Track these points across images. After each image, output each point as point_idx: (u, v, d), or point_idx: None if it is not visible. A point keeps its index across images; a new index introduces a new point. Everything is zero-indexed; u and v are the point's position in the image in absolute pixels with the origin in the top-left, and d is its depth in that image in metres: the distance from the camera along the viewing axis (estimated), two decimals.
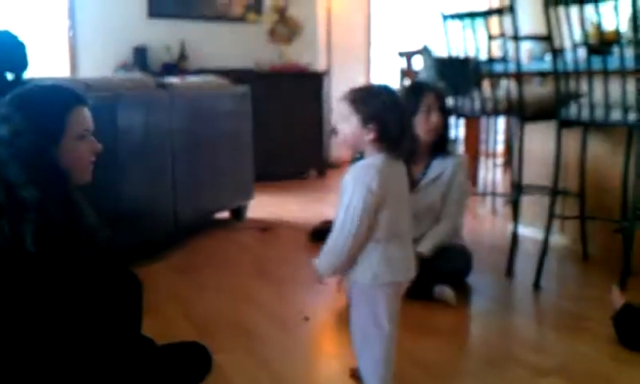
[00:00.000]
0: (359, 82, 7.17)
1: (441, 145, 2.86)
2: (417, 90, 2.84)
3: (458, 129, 3.74)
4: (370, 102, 1.74)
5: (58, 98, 1.61)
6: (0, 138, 1.51)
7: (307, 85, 5.95)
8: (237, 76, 4.76)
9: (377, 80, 7.10)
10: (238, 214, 4.36)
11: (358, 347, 1.82)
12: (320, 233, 3.85)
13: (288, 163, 5.86)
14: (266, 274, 3.18)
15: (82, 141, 1.60)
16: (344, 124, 1.77)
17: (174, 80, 3.88)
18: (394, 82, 5.94)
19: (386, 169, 1.72)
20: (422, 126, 2.77)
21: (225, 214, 4.35)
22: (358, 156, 1.82)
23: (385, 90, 1.76)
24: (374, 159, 1.74)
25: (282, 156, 5.80)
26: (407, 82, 5.47)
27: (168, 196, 3.49)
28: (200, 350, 1.89)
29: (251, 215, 4.44)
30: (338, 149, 6.62)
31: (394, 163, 1.76)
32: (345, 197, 1.73)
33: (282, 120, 5.76)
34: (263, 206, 4.72)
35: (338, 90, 6.63)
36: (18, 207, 1.45)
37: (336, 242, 1.73)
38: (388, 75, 6.76)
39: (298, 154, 5.90)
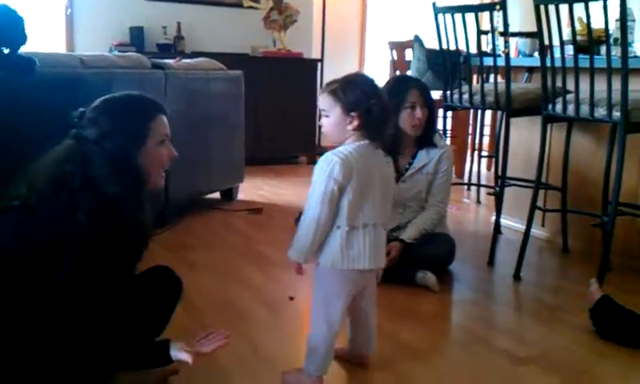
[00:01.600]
0: (351, 71, 7.13)
1: (426, 137, 2.85)
2: (402, 85, 2.82)
3: (445, 121, 3.72)
4: (351, 91, 1.73)
5: (143, 105, 1.69)
6: (89, 138, 1.60)
7: (301, 72, 5.91)
8: (231, 60, 4.72)
9: (369, 70, 7.08)
10: (228, 195, 4.34)
11: (311, 321, 1.84)
12: None
13: (279, 148, 5.83)
14: (254, 255, 3.17)
15: (162, 146, 1.68)
16: (327, 116, 1.76)
17: (169, 61, 3.84)
18: (385, 73, 5.93)
19: (354, 157, 1.71)
20: (408, 121, 2.76)
21: (216, 195, 4.33)
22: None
23: (364, 79, 1.77)
24: (344, 147, 1.74)
25: (274, 141, 5.77)
26: (397, 74, 5.45)
27: None
28: (167, 274, 1.90)
29: (241, 197, 4.42)
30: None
31: (371, 152, 1.75)
32: (312, 183, 1.74)
33: (275, 106, 5.73)
34: (253, 189, 4.70)
35: (331, 78, 6.58)
36: (92, 194, 1.52)
37: (303, 228, 1.74)
38: (380, 65, 6.73)
39: (289, 140, 5.87)
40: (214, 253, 3.19)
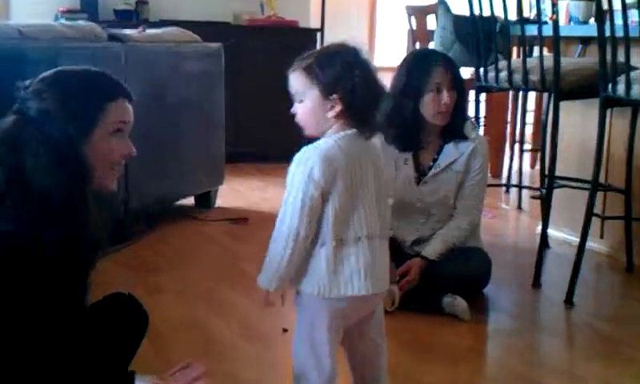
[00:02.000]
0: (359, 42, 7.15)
1: (455, 127, 2.85)
2: (423, 62, 2.83)
3: (478, 106, 3.73)
4: (330, 65, 1.71)
5: (100, 85, 1.71)
6: (26, 114, 1.60)
7: (295, 45, 5.87)
8: (208, 30, 4.73)
9: (382, 42, 7.09)
10: (205, 201, 4.35)
11: (294, 368, 1.81)
12: None
13: (269, 142, 5.80)
14: (237, 275, 3.17)
15: (114, 137, 1.68)
16: (301, 100, 1.75)
17: (129, 32, 3.85)
18: (402, 46, 5.93)
19: (339, 152, 1.69)
20: (431, 107, 2.76)
21: (189, 201, 4.34)
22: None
23: (346, 50, 1.74)
24: (324, 140, 1.72)
25: (261, 133, 5.76)
26: (417, 47, 5.45)
27: (119, 181, 3.46)
28: (130, 304, 1.90)
29: (221, 203, 4.43)
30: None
31: (360, 144, 1.73)
32: (287, 188, 1.72)
33: (263, 88, 5.71)
34: (236, 193, 4.71)
35: None
36: (20, 190, 1.53)
37: (275, 245, 1.70)
38: (396, 36, 6.74)
39: (280, 132, 5.84)
40: (186, 273, 3.20)
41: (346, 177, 1.70)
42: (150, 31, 4.13)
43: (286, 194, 1.71)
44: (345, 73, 1.69)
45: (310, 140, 1.75)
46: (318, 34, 6.10)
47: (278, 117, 6.05)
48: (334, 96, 1.69)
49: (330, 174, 1.67)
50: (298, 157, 1.71)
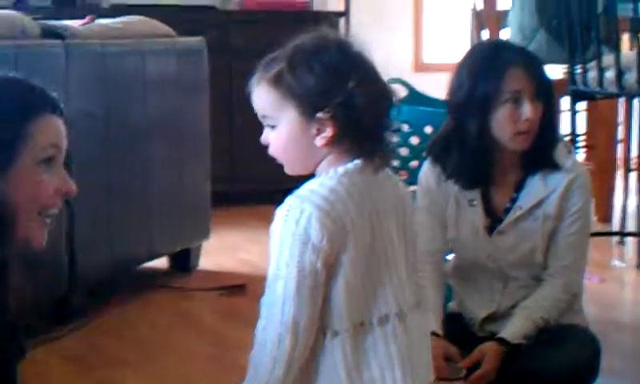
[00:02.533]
0: (397, 34, 7.19)
1: (541, 152, 2.84)
2: (494, 60, 2.82)
3: (574, 120, 3.72)
4: (308, 69, 1.68)
5: (18, 96, 1.70)
6: None
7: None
8: (186, 19, 4.77)
9: (431, 32, 7.11)
10: (183, 262, 4.36)
11: None
12: None
13: (269, 173, 5.73)
14: (230, 372, 3.15)
15: (45, 168, 1.67)
16: (273, 125, 1.74)
17: (72, 24, 3.87)
18: (464, 37, 5.94)
19: (345, 197, 1.68)
20: (507, 125, 2.74)
21: (160, 263, 4.35)
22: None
23: (325, 42, 1.73)
24: (318, 181, 1.70)
25: (263, 164, 5.73)
26: (484, 39, 5.46)
27: (58, 232, 3.46)
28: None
29: (207, 265, 4.44)
30: None
31: (370, 181, 1.73)
32: (271, 261, 1.69)
33: None
34: (227, 250, 4.71)
35: (363, 41, 6.59)
36: None
37: (263, 347, 1.68)
38: (454, 22, 6.76)
39: None
40: (157, 370, 3.19)
41: (360, 233, 1.68)
42: (102, 22, 4.16)
43: (271, 269, 1.67)
44: (332, 78, 1.67)
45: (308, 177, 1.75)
46: (342, 21, 6.16)
47: None
48: (321, 114, 1.67)
49: (335, 232, 1.65)
50: (282, 210, 1.68)
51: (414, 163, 3.41)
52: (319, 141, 1.69)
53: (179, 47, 4.30)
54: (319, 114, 1.67)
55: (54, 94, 1.74)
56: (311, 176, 1.75)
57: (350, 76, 1.67)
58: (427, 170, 2.82)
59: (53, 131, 1.70)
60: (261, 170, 5.88)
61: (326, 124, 1.67)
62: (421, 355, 1.77)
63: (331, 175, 1.69)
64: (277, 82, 1.70)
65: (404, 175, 3.47)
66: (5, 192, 1.61)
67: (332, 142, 1.69)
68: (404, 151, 3.47)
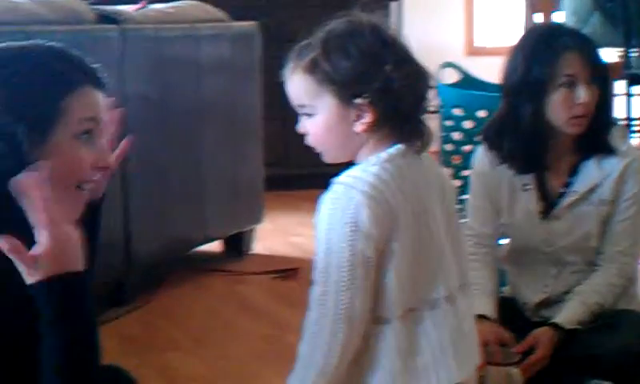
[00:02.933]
0: (449, 18, 7.16)
1: (596, 137, 2.81)
2: (548, 45, 2.79)
3: (630, 104, 3.68)
4: (344, 55, 1.66)
5: (55, 69, 1.65)
6: None
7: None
8: (238, 4, 4.76)
9: (484, 13, 7.07)
10: (236, 246, 4.38)
11: None
12: None
13: (323, 159, 5.81)
14: (283, 353, 3.15)
15: (82, 142, 1.64)
16: (310, 114, 1.72)
17: (126, 9, 3.89)
18: (518, 20, 5.89)
19: (391, 183, 1.66)
20: (562, 109, 2.72)
21: (214, 247, 4.36)
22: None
23: (357, 27, 1.70)
24: (362, 168, 1.68)
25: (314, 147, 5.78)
26: (538, 22, 5.42)
27: (115, 215, 3.49)
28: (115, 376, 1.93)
29: (260, 249, 4.46)
30: None
31: (414, 164, 1.71)
32: (317, 249, 1.67)
33: None
34: (281, 234, 4.73)
35: (415, 30, 6.59)
36: None
37: (315, 336, 1.67)
38: (504, 7, 6.71)
39: None
40: (212, 352, 3.21)
41: (407, 218, 1.66)
42: (156, 7, 4.17)
43: (320, 259, 1.65)
44: (369, 62, 1.65)
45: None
46: (393, 4, 6.14)
47: None
48: (359, 100, 1.65)
49: (384, 218, 1.63)
50: (330, 198, 1.67)
51: (466, 147, 3.39)
52: (359, 127, 1.67)
53: (232, 31, 4.30)
54: (358, 100, 1.65)
55: (94, 65, 1.71)
56: (351, 163, 1.73)
57: (386, 59, 1.65)
58: (481, 155, 2.80)
59: (90, 104, 1.66)
60: (313, 154, 5.89)
61: (365, 109, 1.65)
62: (470, 337, 1.77)
63: (374, 161, 1.67)
64: (312, 69, 1.68)
65: (457, 159, 3.46)
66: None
67: (371, 128, 1.67)
68: (457, 135, 3.45)
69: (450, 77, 3.80)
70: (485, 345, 2.52)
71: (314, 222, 1.68)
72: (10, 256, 1.46)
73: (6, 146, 1.56)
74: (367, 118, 1.65)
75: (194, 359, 3.15)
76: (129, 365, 3.02)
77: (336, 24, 1.73)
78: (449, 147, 3.47)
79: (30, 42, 1.71)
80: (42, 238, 1.49)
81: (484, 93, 3.50)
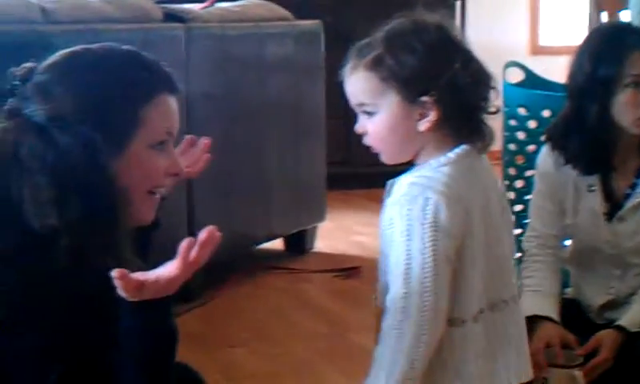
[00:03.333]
0: (513, 17, 7.11)
1: None
2: (615, 43, 2.76)
3: None
4: (410, 51, 1.62)
5: (134, 74, 1.64)
6: (27, 118, 1.56)
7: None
8: (301, 2, 4.76)
9: (549, 13, 7.02)
10: (298, 244, 4.39)
11: None
12: None
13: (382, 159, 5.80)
14: (346, 352, 3.15)
15: (157, 151, 1.64)
16: (372, 112, 1.68)
17: (193, 7, 3.90)
18: (582, 18, 5.83)
19: (463, 183, 1.64)
20: (629, 110, 2.68)
21: (276, 245, 4.37)
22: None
23: (420, 25, 1.67)
24: (432, 168, 1.64)
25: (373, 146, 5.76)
26: (603, 21, 5.36)
27: (179, 213, 3.51)
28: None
29: (322, 247, 4.46)
30: None
31: (477, 165, 1.69)
32: (393, 251, 1.63)
33: None
34: (343, 232, 4.72)
35: (478, 29, 6.55)
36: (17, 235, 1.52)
37: (398, 341, 1.61)
38: (568, 6, 6.65)
39: None
40: (273, 349, 3.22)
41: (478, 218, 1.66)
42: (222, 5, 4.19)
43: (399, 261, 1.61)
44: (437, 58, 1.62)
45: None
46: (458, 4, 6.14)
47: None
48: (425, 98, 1.61)
49: (461, 217, 1.62)
50: (402, 200, 1.63)
51: (530, 147, 3.35)
52: (422, 125, 1.63)
53: (297, 30, 4.30)
54: (424, 97, 1.61)
55: (169, 70, 1.70)
56: (409, 163, 1.71)
57: (454, 56, 1.62)
58: (546, 155, 2.77)
59: (167, 114, 1.66)
60: (375, 154, 5.89)
61: (430, 107, 1.61)
62: (524, 338, 1.78)
63: (442, 161, 1.65)
64: (376, 66, 1.63)
65: (520, 160, 3.42)
66: (118, 174, 1.58)
67: (435, 127, 1.63)
68: (521, 135, 3.41)
69: (515, 76, 3.77)
70: (548, 346, 2.50)
71: (379, 221, 1.66)
72: (117, 282, 1.45)
73: (83, 155, 1.54)
74: (432, 116, 1.62)
75: (256, 356, 3.16)
76: (192, 361, 3.04)
77: (399, 22, 1.69)
78: (512, 147, 3.43)
79: (105, 45, 1.70)
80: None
81: (549, 92, 3.46)
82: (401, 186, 1.65)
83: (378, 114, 1.67)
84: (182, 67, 3.55)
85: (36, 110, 1.56)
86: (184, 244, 1.50)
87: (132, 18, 3.49)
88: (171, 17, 3.68)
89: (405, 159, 1.69)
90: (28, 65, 1.61)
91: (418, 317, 1.60)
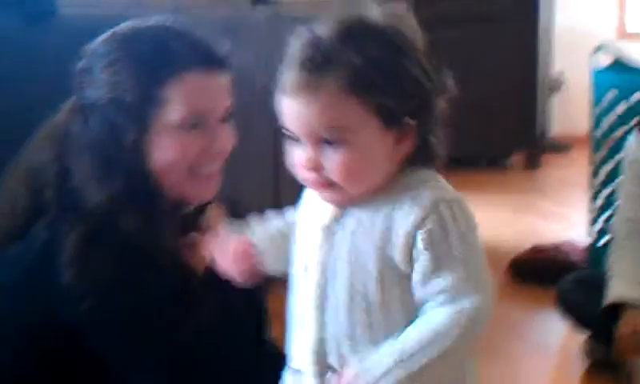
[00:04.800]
0: (601, 2, 7.04)
1: None
2: None
3: None
4: (389, 63, 1.28)
5: (154, 56, 1.58)
6: (75, 104, 1.60)
7: (508, 9, 5.93)
8: None
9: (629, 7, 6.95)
10: None
11: None
12: (526, 266, 3.76)
13: (473, 142, 5.79)
14: None
15: (187, 131, 1.57)
16: (342, 143, 1.28)
17: None
18: None
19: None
20: None
21: None
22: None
23: (391, 24, 1.38)
24: (435, 184, 1.37)
25: (463, 130, 5.67)
26: None
27: (266, 189, 3.49)
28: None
29: None
30: (561, 117, 6.49)
31: None
32: (460, 264, 1.32)
33: (464, 68, 5.69)
34: None
35: (567, 14, 6.48)
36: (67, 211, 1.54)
37: (448, 354, 1.30)
38: None
39: (490, 127, 5.90)
40: None
41: None
42: None
43: (462, 271, 1.31)
44: (414, 72, 1.30)
45: None
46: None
47: (488, 108, 6.02)
48: (408, 119, 1.31)
49: None
50: (443, 213, 1.32)
51: (618, 132, 3.31)
52: (401, 149, 1.33)
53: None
54: (406, 119, 1.31)
55: (214, 44, 1.62)
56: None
57: (411, 67, 1.31)
58: (634, 141, 2.77)
59: (197, 92, 1.57)
60: (462, 139, 5.82)
61: (410, 130, 1.32)
62: None
63: (436, 178, 1.40)
64: (353, 85, 1.26)
65: (609, 144, 3.38)
66: (145, 154, 1.57)
67: (406, 154, 1.34)
68: (609, 120, 3.37)
69: (603, 61, 3.71)
70: (635, 332, 2.48)
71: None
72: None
73: (110, 135, 1.55)
74: (408, 140, 1.33)
75: None
76: None
77: (349, 21, 1.37)
78: (600, 132, 3.40)
79: (132, 24, 1.64)
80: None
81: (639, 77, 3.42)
82: (442, 201, 1.37)
83: (352, 143, 1.29)
84: (265, 52, 3.55)
85: (78, 93, 1.60)
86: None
87: (218, 3, 3.50)
88: (258, 0, 3.68)
89: (368, 190, 1.34)
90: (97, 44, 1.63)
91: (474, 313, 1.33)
